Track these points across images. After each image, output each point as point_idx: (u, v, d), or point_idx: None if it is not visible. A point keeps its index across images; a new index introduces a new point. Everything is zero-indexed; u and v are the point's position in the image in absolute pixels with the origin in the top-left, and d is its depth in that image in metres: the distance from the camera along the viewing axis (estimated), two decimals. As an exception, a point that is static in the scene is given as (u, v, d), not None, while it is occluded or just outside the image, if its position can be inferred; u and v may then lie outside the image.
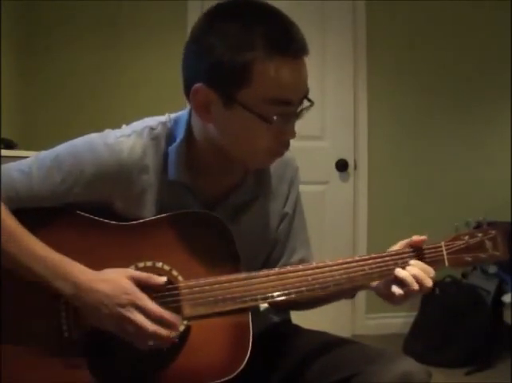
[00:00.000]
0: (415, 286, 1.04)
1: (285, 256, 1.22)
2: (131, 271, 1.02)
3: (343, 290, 1.12)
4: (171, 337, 1.00)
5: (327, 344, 1.15)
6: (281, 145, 1.01)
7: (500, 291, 2.96)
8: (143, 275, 1.02)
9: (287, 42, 0.93)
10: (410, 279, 1.04)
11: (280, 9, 0.98)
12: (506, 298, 2.87)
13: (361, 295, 3.31)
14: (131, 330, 0.98)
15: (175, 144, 1.06)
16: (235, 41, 0.92)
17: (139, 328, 0.98)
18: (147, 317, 0.98)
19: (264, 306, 1.26)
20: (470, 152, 3.47)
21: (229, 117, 0.97)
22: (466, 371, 2.75)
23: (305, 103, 1.01)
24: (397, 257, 1.08)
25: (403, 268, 1.06)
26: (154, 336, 0.99)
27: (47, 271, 0.99)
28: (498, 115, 3.49)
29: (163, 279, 1.02)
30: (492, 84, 3.43)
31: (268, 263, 1.19)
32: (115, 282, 0.99)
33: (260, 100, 0.94)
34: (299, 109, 0.99)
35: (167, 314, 1.00)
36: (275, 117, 0.95)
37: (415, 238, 1.09)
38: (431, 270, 1.07)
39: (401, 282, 1.05)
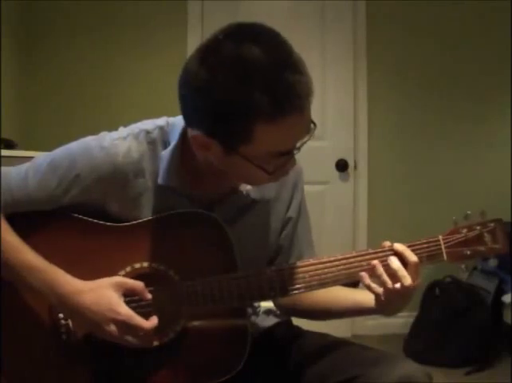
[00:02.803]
0: (389, 283, 1.01)
1: (292, 260, 1.20)
2: (119, 279, 1.01)
3: (347, 310, 1.14)
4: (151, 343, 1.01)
5: (327, 346, 1.15)
6: (281, 175, 1.02)
7: (500, 291, 2.96)
8: (135, 286, 1.01)
9: (292, 101, 0.88)
10: (384, 277, 1.01)
11: (284, 40, 0.91)
12: (506, 298, 2.87)
13: (361, 295, 3.30)
14: (122, 343, 0.99)
15: (167, 150, 1.06)
16: (237, 97, 0.87)
17: (130, 344, 0.98)
18: (139, 332, 0.98)
19: (264, 306, 1.26)
20: (471, 152, 3.46)
21: (229, 161, 0.96)
22: (466, 371, 2.74)
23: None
24: (394, 252, 1.06)
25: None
26: (147, 345, 1.00)
27: (33, 279, 0.99)
28: (498, 114, 3.48)
29: (149, 297, 1.02)
30: (492, 83, 3.43)
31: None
32: (98, 294, 0.98)
33: (262, 154, 0.93)
34: (300, 144, 0.97)
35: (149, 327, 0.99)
36: (273, 167, 0.95)
37: (397, 246, 1.06)
38: (413, 257, 1.03)
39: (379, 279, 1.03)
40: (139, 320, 0.97)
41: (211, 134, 0.93)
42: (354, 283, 1.17)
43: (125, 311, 0.97)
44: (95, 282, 1.00)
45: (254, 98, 0.87)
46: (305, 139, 0.98)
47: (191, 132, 0.97)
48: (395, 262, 1.02)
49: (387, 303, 1.04)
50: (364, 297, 1.11)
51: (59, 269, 1.00)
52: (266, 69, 0.87)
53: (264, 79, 0.87)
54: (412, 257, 1.03)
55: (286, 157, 0.96)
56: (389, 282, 1.01)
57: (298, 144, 0.97)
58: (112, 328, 0.96)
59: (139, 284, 1.01)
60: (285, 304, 1.21)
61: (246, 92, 0.87)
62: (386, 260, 1.03)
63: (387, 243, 1.06)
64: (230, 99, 0.87)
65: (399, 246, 1.04)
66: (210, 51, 0.91)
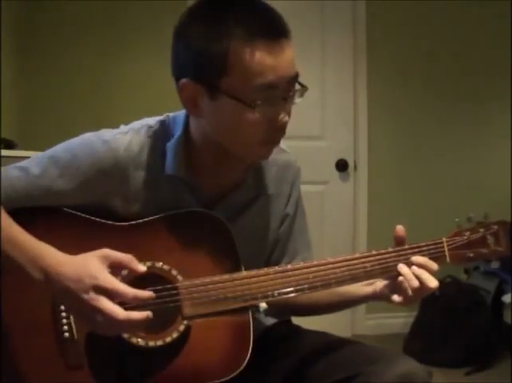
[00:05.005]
0: (415, 283, 1.04)
1: (287, 258, 1.22)
2: (106, 251, 0.95)
3: (345, 300, 1.14)
4: (147, 317, 0.92)
5: (327, 344, 1.15)
6: (273, 132, 1.00)
7: (500, 291, 2.96)
8: (123, 257, 0.95)
9: (260, 26, 0.93)
10: (409, 276, 1.04)
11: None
12: (506, 298, 2.87)
13: (361, 295, 3.30)
14: (100, 319, 0.91)
15: (172, 141, 1.07)
16: (211, 32, 0.93)
17: (109, 316, 0.90)
18: (117, 300, 0.91)
19: (264, 306, 1.26)
20: (471, 152, 3.47)
21: (216, 108, 0.98)
22: (466, 371, 2.75)
23: (297, 87, 1.00)
24: (397, 254, 1.08)
25: (407, 265, 1.06)
26: (127, 323, 0.91)
27: (20, 255, 0.96)
28: (498, 115, 3.48)
29: (144, 268, 0.97)
30: (492, 84, 3.43)
31: (269, 264, 1.19)
32: (81, 264, 0.93)
33: (242, 86, 0.94)
34: (290, 94, 0.98)
35: (140, 293, 0.93)
36: (259, 102, 0.94)
37: (396, 232, 1.09)
38: (433, 265, 1.06)
39: (402, 278, 1.05)
40: (122, 287, 0.92)
41: (194, 76, 0.96)
42: None
43: (106, 277, 0.92)
44: (80, 255, 0.96)
45: (226, 26, 0.93)
46: (295, 89, 0.99)
47: (180, 83, 0.99)
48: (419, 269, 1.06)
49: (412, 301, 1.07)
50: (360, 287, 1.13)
51: (43, 243, 0.97)
52: (240, 3, 0.96)
53: (237, 11, 0.94)
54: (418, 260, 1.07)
55: (272, 92, 0.95)
56: (416, 282, 1.04)
57: (286, 90, 0.97)
58: (92, 295, 0.90)
59: (126, 256, 0.96)
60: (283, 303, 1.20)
61: (218, 21, 0.94)
62: (408, 259, 1.07)
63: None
64: (205, 31, 0.94)
65: (418, 259, 1.07)
66: (191, 5, 1.00)
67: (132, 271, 0.96)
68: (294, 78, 0.99)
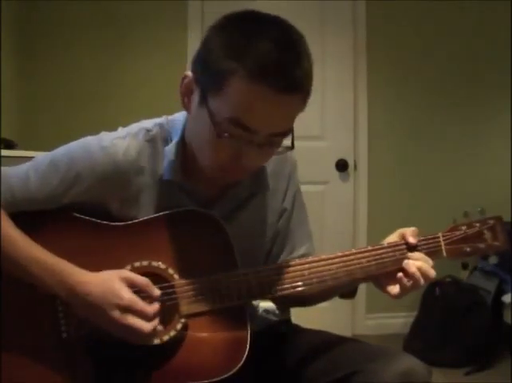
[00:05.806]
0: (422, 281, 1.04)
1: (286, 252, 1.22)
2: (127, 273, 1.02)
3: (342, 285, 1.12)
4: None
5: (327, 342, 1.15)
6: (234, 167, 0.98)
7: (500, 291, 2.96)
8: (141, 281, 1.01)
9: (275, 74, 0.89)
10: (418, 275, 1.04)
11: (298, 39, 0.96)
12: (506, 298, 2.87)
13: (361, 295, 3.31)
14: (127, 332, 0.98)
15: (170, 145, 1.07)
16: (229, 49, 0.91)
17: (137, 330, 0.97)
18: (143, 318, 0.98)
19: (263, 305, 1.27)
20: (470, 152, 3.47)
21: (198, 115, 0.98)
22: (466, 371, 2.74)
23: (283, 143, 0.99)
24: (394, 249, 1.08)
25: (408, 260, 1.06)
26: (151, 335, 0.99)
27: (42, 273, 1.00)
28: (498, 114, 3.48)
29: (158, 293, 1.01)
30: (492, 83, 3.43)
31: (269, 259, 1.20)
32: (107, 284, 0.99)
33: (224, 113, 0.92)
34: (269, 145, 0.96)
35: (159, 311, 1.00)
36: (226, 135, 0.92)
37: (410, 235, 1.08)
38: (429, 261, 1.07)
39: (408, 276, 1.05)
40: (142, 304, 0.98)
41: (197, 77, 0.97)
42: (352, 292, 1.17)
43: (129, 296, 0.98)
44: (102, 272, 1.01)
45: (244, 52, 0.89)
46: (276, 146, 0.98)
47: (185, 73, 1.00)
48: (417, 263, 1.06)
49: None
50: None
51: (66, 261, 1.01)
52: (274, 36, 0.91)
53: (264, 43, 0.90)
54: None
55: (246, 135, 0.93)
56: (422, 280, 1.04)
57: (266, 139, 0.95)
58: (116, 314, 0.97)
59: (143, 279, 1.01)
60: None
61: (242, 42, 0.90)
62: (404, 254, 1.07)
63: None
64: (226, 44, 0.92)
65: (417, 255, 1.07)
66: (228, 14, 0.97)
67: (148, 295, 1.01)
68: (280, 134, 0.96)
